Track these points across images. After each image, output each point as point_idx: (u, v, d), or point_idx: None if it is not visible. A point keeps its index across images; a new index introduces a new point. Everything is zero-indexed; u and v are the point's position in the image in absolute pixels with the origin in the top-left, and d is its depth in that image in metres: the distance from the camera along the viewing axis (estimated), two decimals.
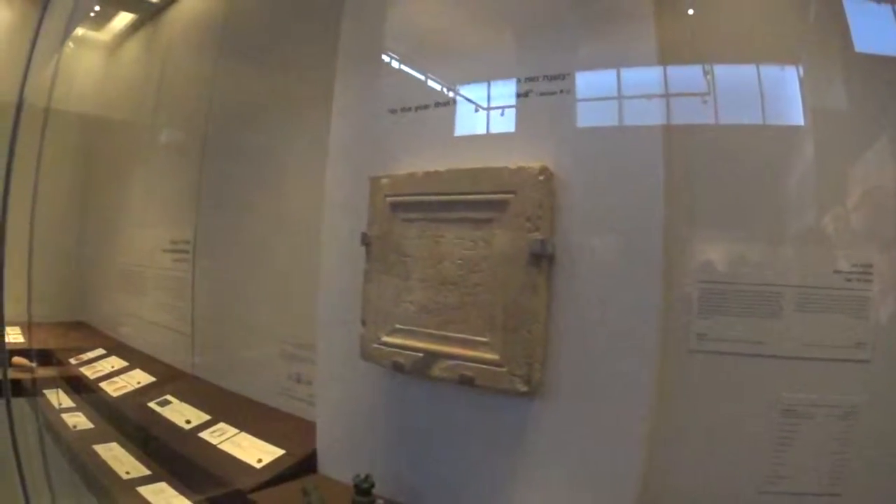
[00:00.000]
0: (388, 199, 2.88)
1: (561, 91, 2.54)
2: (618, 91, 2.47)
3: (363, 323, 2.95)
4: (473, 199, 2.58)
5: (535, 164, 2.44)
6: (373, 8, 3.29)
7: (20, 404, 4.82)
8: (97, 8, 6.60)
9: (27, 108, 4.13)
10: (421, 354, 2.71)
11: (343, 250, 3.19)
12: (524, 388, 2.41)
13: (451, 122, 2.86)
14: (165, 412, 4.44)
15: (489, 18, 2.85)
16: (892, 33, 2.35)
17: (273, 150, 4.47)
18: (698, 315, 2.39)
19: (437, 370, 2.65)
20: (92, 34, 7.03)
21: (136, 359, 5.61)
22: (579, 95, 2.52)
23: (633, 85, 2.46)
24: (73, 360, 5.76)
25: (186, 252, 5.17)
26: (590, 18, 2.54)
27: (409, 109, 3.00)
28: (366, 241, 2.95)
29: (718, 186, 2.42)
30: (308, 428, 3.62)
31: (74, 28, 5.78)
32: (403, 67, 3.10)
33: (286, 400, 4.14)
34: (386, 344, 2.84)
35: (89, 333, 6.75)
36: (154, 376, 5.13)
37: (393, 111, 3.06)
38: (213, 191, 5.10)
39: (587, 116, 2.52)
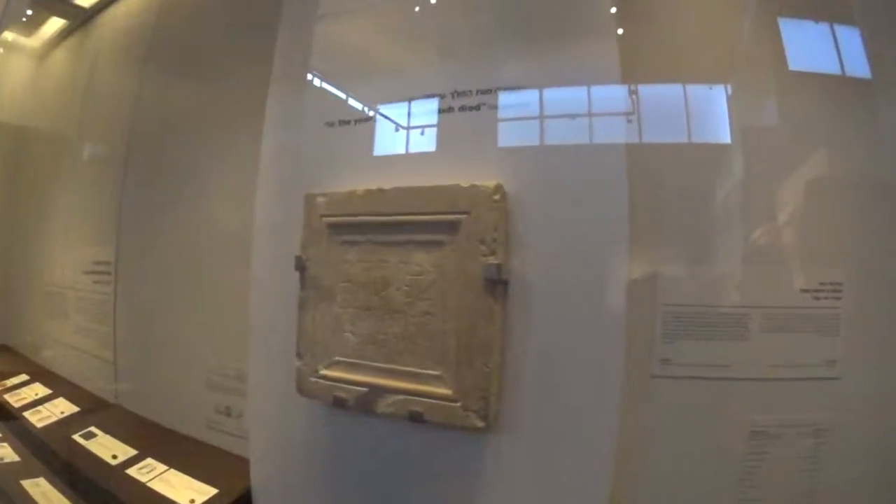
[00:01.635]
0: (325, 219, 2.63)
1: (517, 105, 2.39)
2: (575, 107, 2.34)
3: (298, 355, 2.69)
4: (421, 219, 2.39)
5: (489, 183, 2.27)
6: (312, 17, 3.05)
7: None
8: (29, 12, 6.42)
9: None
10: (365, 389, 2.49)
11: (276, 274, 2.94)
12: (480, 424, 2.23)
13: (395, 136, 2.67)
14: (91, 445, 4.17)
15: (441, 25, 2.66)
16: (829, 51, 2.37)
17: (201, 165, 4.18)
18: (662, 340, 2.35)
19: (384, 406, 2.44)
20: (22, 39, 6.82)
21: (60, 386, 5.40)
22: (535, 111, 2.38)
23: (593, 101, 2.33)
24: None
25: (108, 273, 4.96)
26: (547, 33, 2.41)
27: (349, 122, 2.79)
28: (300, 265, 2.70)
29: (679, 206, 2.40)
30: (241, 464, 3.34)
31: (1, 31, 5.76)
32: (343, 77, 2.86)
33: (215, 434, 3.90)
34: (325, 378, 2.61)
35: (11, 358, 6.49)
36: (78, 405, 4.91)
37: (330, 124, 2.82)
38: (135, 209, 4.80)
39: (545, 132, 2.37)
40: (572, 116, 2.29)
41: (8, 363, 6.17)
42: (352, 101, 2.76)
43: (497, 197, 2.24)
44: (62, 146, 6.08)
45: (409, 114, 2.59)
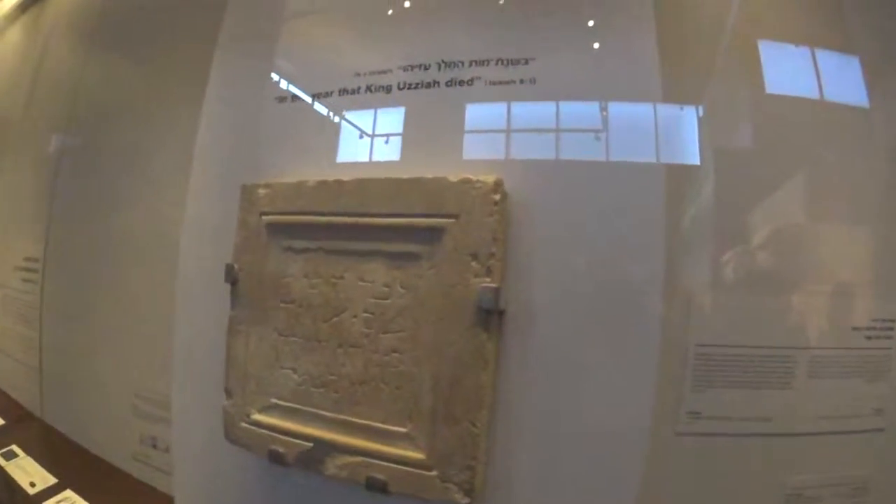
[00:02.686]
0: (265, 217, 2.07)
1: (522, 81, 1.91)
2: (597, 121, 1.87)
3: (227, 392, 2.13)
4: (391, 223, 1.85)
5: (488, 178, 1.75)
6: None
7: None
8: None
9: None
10: (309, 444, 1.93)
11: (206, 285, 2.40)
12: (464, 500, 1.72)
13: (362, 114, 2.15)
14: (10, 468, 3.82)
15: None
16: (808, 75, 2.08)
17: (140, 156, 3.77)
18: (692, 388, 1.89)
19: (333, 467, 1.88)
20: None
21: None
22: (550, 90, 1.89)
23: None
24: None
25: (36, 272, 4.57)
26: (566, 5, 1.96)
27: (302, 98, 2.27)
28: (232, 276, 2.13)
29: (715, 232, 1.98)
30: None
31: None
32: (305, 43, 2.38)
33: (141, 466, 3.43)
34: (259, 424, 2.05)
35: None
36: (4, 416, 4.54)
37: (281, 99, 2.31)
38: (68, 202, 4.42)
39: (562, 120, 1.89)
40: (597, 134, 1.84)
41: None
42: (312, 72, 2.31)
43: (497, 197, 1.71)
44: (6, 130, 5.73)
45: (379, 87, 2.10)
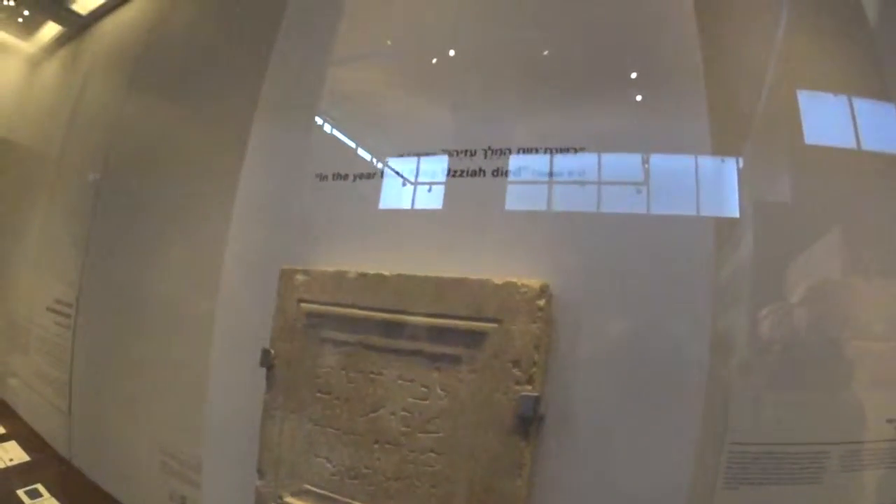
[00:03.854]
0: (303, 305, 2.07)
1: (570, 173, 1.88)
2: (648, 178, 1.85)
3: (260, 473, 2.15)
4: (433, 322, 1.81)
5: (534, 282, 1.70)
6: (306, 50, 2.66)
7: None
8: (26, 13, 6.06)
9: None
10: None
11: (242, 360, 2.36)
12: None
13: (406, 199, 2.10)
14: None
15: (477, 61, 2.16)
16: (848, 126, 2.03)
17: (178, 204, 3.69)
18: (725, 486, 1.78)
19: None
20: (16, 42, 6.52)
21: (16, 426, 4.96)
22: (598, 180, 1.87)
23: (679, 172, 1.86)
24: None
25: (68, 316, 4.49)
26: (611, 86, 1.95)
27: (346, 177, 2.25)
28: (268, 361, 2.14)
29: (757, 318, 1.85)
30: None
31: None
32: (346, 122, 2.35)
33: None
34: None
35: None
36: (30, 452, 4.43)
37: (322, 177, 2.30)
38: (103, 246, 4.36)
39: (608, 209, 1.85)
40: (638, 187, 1.82)
41: None
42: (355, 150, 2.29)
43: (541, 303, 1.67)
44: (43, 165, 5.76)
45: (423, 171, 2.07)
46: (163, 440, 3.37)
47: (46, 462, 4.35)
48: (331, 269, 2.05)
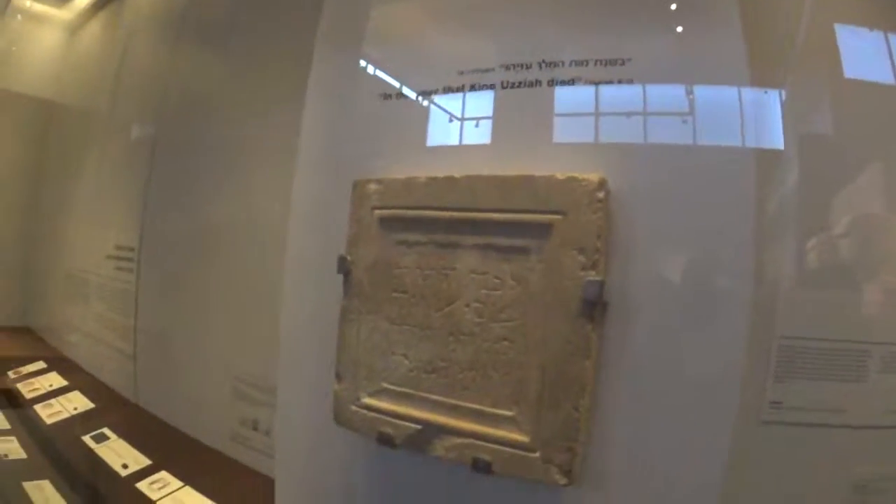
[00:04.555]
0: (378, 212, 2.16)
1: (620, 81, 1.93)
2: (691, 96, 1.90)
3: (338, 376, 2.23)
4: (503, 218, 1.90)
5: (592, 176, 1.79)
6: None
7: None
8: None
9: None
10: (418, 426, 2.02)
11: (315, 276, 2.50)
12: (563, 481, 1.77)
13: (467, 111, 2.20)
14: (100, 450, 3.84)
15: None
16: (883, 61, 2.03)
17: (236, 148, 3.85)
18: (774, 378, 1.90)
19: (441, 449, 1.96)
20: (53, 11, 6.62)
21: (77, 377, 5.10)
22: (647, 89, 1.93)
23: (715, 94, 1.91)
24: (11, 374, 5.23)
25: (130, 260, 4.67)
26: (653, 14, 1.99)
27: (410, 95, 2.33)
28: (344, 267, 2.22)
29: (801, 224, 1.97)
30: (266, 485, 2.94)
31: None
32: (408, 40, 2.44)
33: (239, 448, 3.51)
34: (369, 408, 2.14)
35: (32, 342, 6.31)
36: (94, 401, 4.60)
37: (387, 96, 2.37)
38: (163, 192, 4.49)
39: (655, 119, 1.93)
40: (686, 118, 1.89)
41: (27, 347, 5.96)
42: (417, 69, 2.36)
43: (601, 195, 1.76)
44: (92, 123, 5.88)
45: (483, 85, 2.15)
46: (234, 367, 3.56)
47: (111, 407, 4.48)
48: (402, 176, 2.13)
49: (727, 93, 1.86)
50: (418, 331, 2.05)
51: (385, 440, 2.08)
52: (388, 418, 2.08)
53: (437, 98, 2.23)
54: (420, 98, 2.28)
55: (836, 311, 1.93)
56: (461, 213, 1.97)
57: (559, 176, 1.80)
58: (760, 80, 1.88)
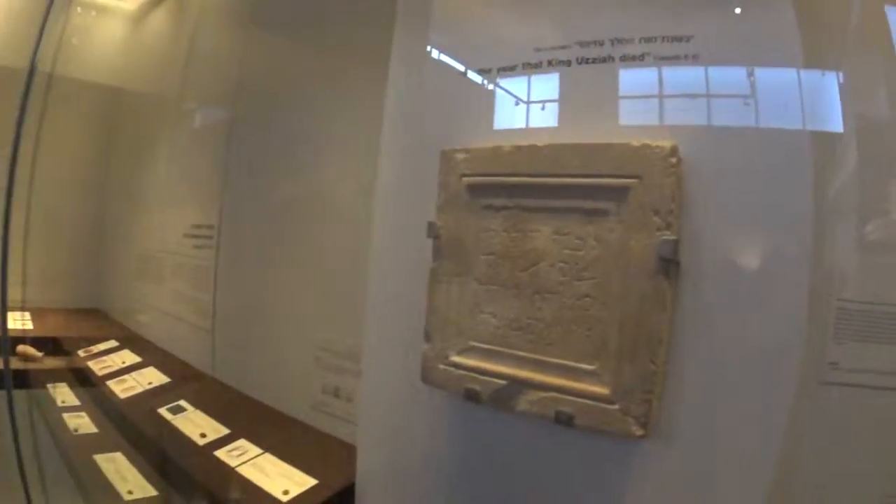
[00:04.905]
0: (465, 179, 2.30)
1: (686, 56, 2.04)
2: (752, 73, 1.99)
3: (427, 337, 2.37)
4: (583, 183, 2.03)
5: (664, 143, 1.91)
6: None
7: (24, 397, 4.68)
8: None
9: (40, 78, 4.14)
10: (504, 382, 2.15)
11: (401, 242, 2.67)
12: (639, 432, 1.88)
13: (548, 86, 2.32)
14: (177, 421, 4.01)
15: None
16: None
17: (312, 126, 4.04)
18: (833, 340, 1.94)
19: (525, 403, 2.10)
20: (115, 2, 6.83)
21: (151, 354, 5.30)
22: (710, 65, 2.04)
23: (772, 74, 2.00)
24: (81, 353, 5.47)
25: (210, 238, 4.87)
26: None
27: (489, 71, 2.47)
28: (434, 232, 2.35)
29: (862, 197, 2.01)
30: (347, 452, 3.10)
31: None
32: (487, 18, 2.56)
33: (320, 416, 3.70)
34: (457, 365, 2.28)
35: (103, 322, 6.52)
36: (169, 376, 4.81)
37: (464, 72, 2.54)
38: (241, 171, 4.71)
39: (719, 91, 2.03)
40: (748, 99, 1.99)
41: (98, 328, 6.11)
42: (495, 47, 2.49)
43: (673, 160, 1.90)
44: (161, 108, 6.06)
45: (559, 62, 2.28)
46: (316, 336, 3.74)
47: (187, 380, 4.69)
48: (487, 145, 2.26)
49: (785, 74, 1.97)
50: (505, 290, 2.18)
51: (472, 396, 2.22)
52: (476, 375, 2.21)
53: (515, 74, 2.37)
54: (500, 74, 2.42)
55: (893, 276, 2.00)
56: (544, 179, 2.09)
57: (634, 143, 1.93)
58: (817, 62, 1.97)
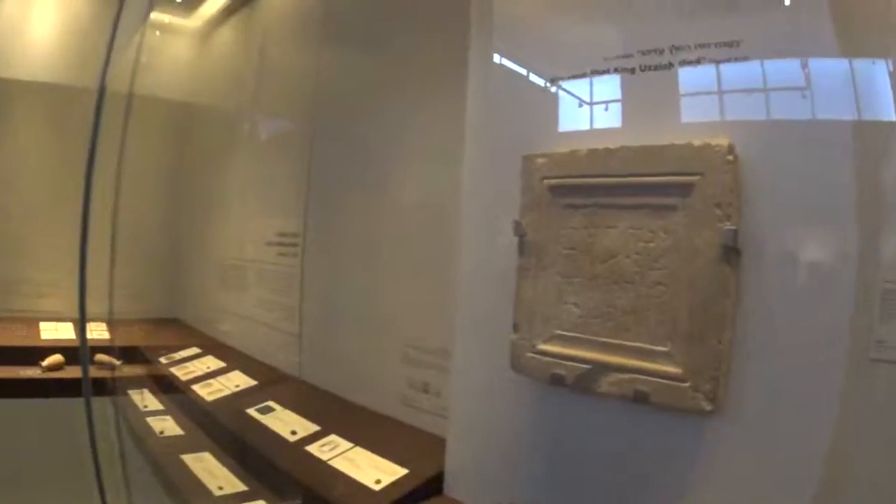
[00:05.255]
0: (546, 181, 2.57)
1: (736, 59, 2.25)
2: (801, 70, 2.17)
3: (515, 328, 2.64)
4: (653, 181, 2.28)
5: (722, 142, 2.13)
6: None
7: (103, 404, 4.79)
8: None
9: (109, 96, 4.18)
10: (587, 366, 2.39)
11: (487, 242, 2.93)
12: (709, 408, 2.11)
13: (615, 91, 2.57)
14: (267, 420, 4.25)
15: None
16: None
17: (391, 137, 4.26)
18: (880, 320, 2.06)
19: (606, 385, 2.35)
20: (179, 21, 7.15)
21: (235, 359, 5.55)
22: (757, 66, 2.23)
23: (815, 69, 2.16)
24: (163, 360, 5.75)
25: (294, 245, 5.10)
26: None
27: (561, 79, 2.71)
28: (519, 231, 2.63)
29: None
30: (433, 444, 3.37)
31: (151, 11, 5.77)
32: (560, 30, 2.78)
33: (408, 411, 3.91)
34: (543, 353, 2.53)
35: (183, 331, 6.78)
36: (255, 379, 5.06)
37: (539, 80, 2.79)
38: (323, 180, 4.98)
39: (767, 91, 2.23)
40: (802, 92, 2.17)
41: (178, 337, 6.37)
42: (566, 57, 2.70)
43: (730, 158, 2.12)
44: (234, 123, 6.30)
45: (624, 69, 2.52)
46: (405, 335, 3.96)
47: (274, 382, 4.94)
48: (564, 150, 2.50)
49: (833, 66, 2.12)
50: (586, 282, 2.42)
51: (557, 381, 2.46)
52: (561, 361, 2.47)
53: (585, 80, 2.61)
54: (571, 81, 2.65)
55: None
56: (618, 179, 2.33)
57: (696, 143, 2.16)
58: (865, 50, 2.10)
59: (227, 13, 6.91)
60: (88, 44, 6.40)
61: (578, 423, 2.59)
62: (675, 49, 2.37)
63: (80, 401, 4.53)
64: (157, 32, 6.33)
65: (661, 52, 2.40)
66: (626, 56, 2.49)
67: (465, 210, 3.09)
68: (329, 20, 5.05)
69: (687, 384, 2.15)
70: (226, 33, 7.03)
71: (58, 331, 6.25)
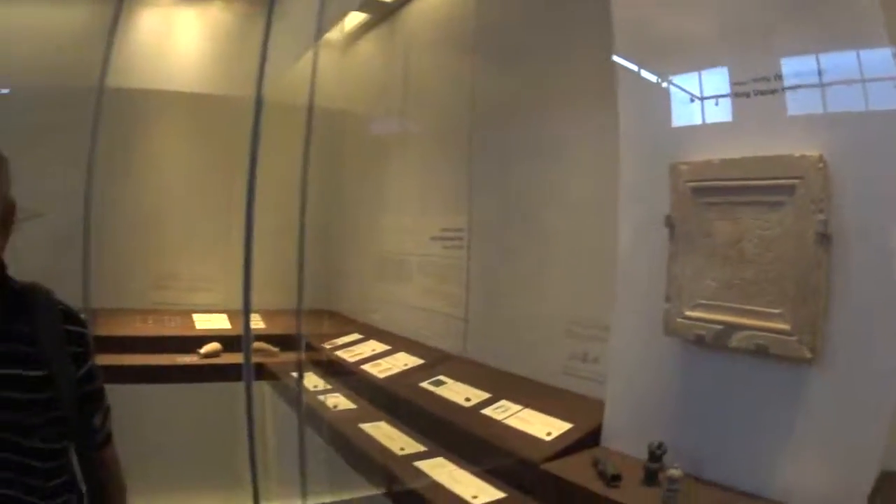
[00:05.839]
0: (689, 184, 3.15)
1: (822, 84, 2.77)
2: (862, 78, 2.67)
3: (667, 299, 3.24)
4: (767, 183, 2.83)
5: (814, 153, 2.67)
6: None
7: (260, 386, 5.58)
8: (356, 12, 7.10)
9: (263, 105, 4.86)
10: (721, 327, 2.97)
11: (642, 233, 3.50)
12: (809, 355, 2.66)
13: (735, 110, 3.13)
14: (441, 391, 4.82)
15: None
16: None
17: (546, 142, 4.72)
18: None
19: (735, 341, 2.91)
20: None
21: (397, 343, 6.19)
22: (841, 91, 2.73)
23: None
24: (327, 345, 6.33)
25: (460, 239, 5.67)
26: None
27: (698, 99, 3.26)
28: (670, 223, 3.24)
29: None
30: (591, 404, 3.86)
31: (325, 29, 6.19)
32: (695, 57, 3.33)
33: (567, 379, 4.36)
34: (688, 318, 3.13)
35: (340, 321, 7.38)
36: (421, 359, 5.65)
37: (683, 99, 3.37)
38: (484, 179, 5.46)
39: (846, 104, 2.72)
40: (871, 111, 2.63)
41: (337, 326, 7.05)
42: (704, 80, 3.27)
43: (821, 165, 2.63)
44: (385, 129, 6.85)
45: (752, 92, 3.04)
46: (568, 313, 4.43)
47: (441, 361, 5.47)
48: (701, 159, 3.12)
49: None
50: (720, 261, 3.00)
51: (698, 340, 3.05)
52: (702, 324, 3.04)
53: (721, 101, 3.15)
54: (705, 101, 3.21)
55: None
56: (742, 182, 2.91)
57: (795, 154, 2.71)
58: None
59: (367, 27, 7.50)
60: (229, 54, 7.36)
61: (714, 375, 3.09)
62: (777, 77, 2.88)
63: (231, 385, 5.59)
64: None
65: (769, 80, 2.90)
66: (743, 83, 3.01)
67: (623, 206, 3.64)
68: (480, 31, 5.56)
69: (794, 338, 2.68)
70: (367, 46, 7.62)
71: (211, 321, 7.06)
